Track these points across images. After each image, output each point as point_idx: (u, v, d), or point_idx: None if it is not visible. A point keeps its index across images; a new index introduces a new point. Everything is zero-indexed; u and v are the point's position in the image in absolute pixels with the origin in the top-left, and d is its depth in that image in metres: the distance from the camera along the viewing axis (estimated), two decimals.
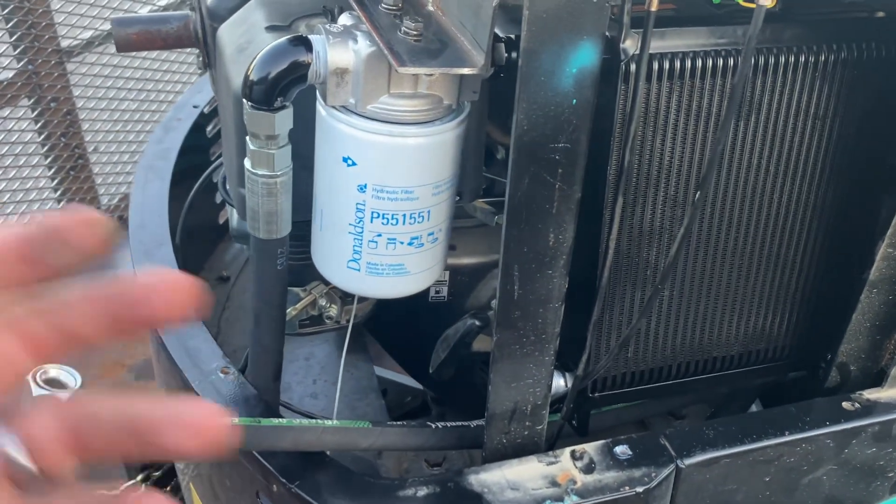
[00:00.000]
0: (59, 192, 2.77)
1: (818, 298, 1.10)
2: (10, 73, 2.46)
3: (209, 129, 1.44)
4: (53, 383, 0.72)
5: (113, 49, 2.82)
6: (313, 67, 0.81)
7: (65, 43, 2.65)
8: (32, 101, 2.57)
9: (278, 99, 0.81)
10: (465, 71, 0.76)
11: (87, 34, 2.73)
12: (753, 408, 1.35)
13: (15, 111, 2.57)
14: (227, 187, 1.25)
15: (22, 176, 2.62)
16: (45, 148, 2.68)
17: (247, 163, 0.85)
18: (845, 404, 1.05)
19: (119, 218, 3.01)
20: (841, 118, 0.98)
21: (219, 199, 1.77)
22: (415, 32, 0.79)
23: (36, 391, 0.70)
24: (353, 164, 0.84)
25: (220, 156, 1.70)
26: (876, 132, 0.99)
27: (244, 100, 0.82)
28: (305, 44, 0.81)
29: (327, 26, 0.82)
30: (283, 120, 0.82)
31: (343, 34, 0.81)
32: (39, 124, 2.62)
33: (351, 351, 1.55)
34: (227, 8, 1.09)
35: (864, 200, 1.02)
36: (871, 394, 1.07)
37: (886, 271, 1.03)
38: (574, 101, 0.76)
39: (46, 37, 2.55)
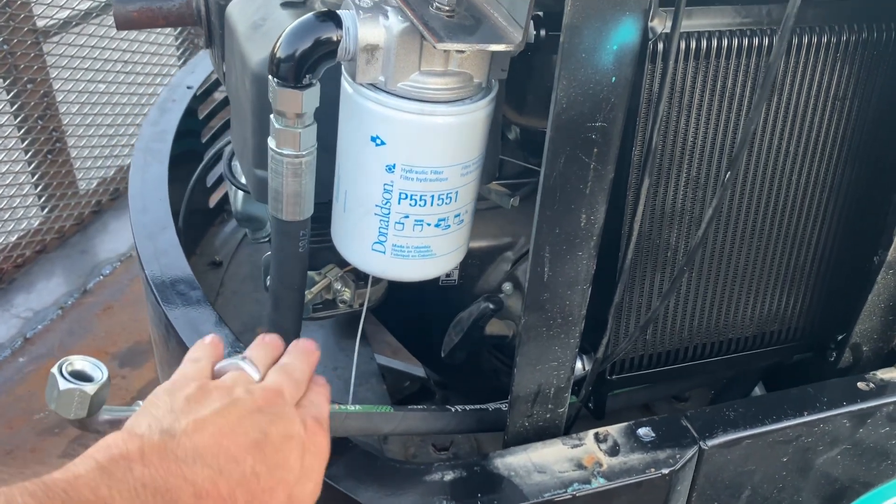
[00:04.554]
0: (36, 177, 2.70)
1: (833, 280, 1.10)
2: None
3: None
4: (79, 375, 0.69)
5: (91, 29, 2.76)
6: (343, 44, 0.79)
7: (41, 23, 2.58)
8: (8, 82, 2.50)
9: (306, 76, 0.79)
10: (502, 48, 0.75)
11: (64, 13, 2.66)
12: (756, 390, 1.36)
13: None
14: (233, 169, 1.22)
15: None
16: (22, 131, 2.60)
17: (271, 142, 0.83)
18: (860, 384, 1.06)
19: (97, 203, 2.95)
20: (860, 99, 0.98)
21: (209, 182, 1.74)
22: (447, 8, 0.77)
23: (63, 383, 0.67)
24: (382, 143, 0.82)
25: (214, 137, 1.67)
26: (895, 113, 0.99)
27: (270, 77, 0.80)
28: (334, 19, 0.79)
29: (357, 1, 0.80)
30: (311, 98, 0.80)
31: (373, 10, 0.79)
32: (15, 106, 2.55)
33: (349, 336, 1.53)
34: None
35: (882, 181, 1.03)
36: (884, 374, 1.08)
37: None
38: (613, 78, 0.75)
39: (22, 16, 2.47)
